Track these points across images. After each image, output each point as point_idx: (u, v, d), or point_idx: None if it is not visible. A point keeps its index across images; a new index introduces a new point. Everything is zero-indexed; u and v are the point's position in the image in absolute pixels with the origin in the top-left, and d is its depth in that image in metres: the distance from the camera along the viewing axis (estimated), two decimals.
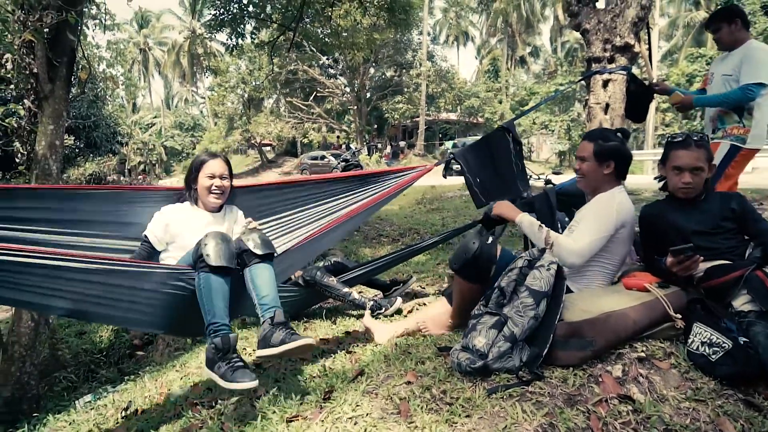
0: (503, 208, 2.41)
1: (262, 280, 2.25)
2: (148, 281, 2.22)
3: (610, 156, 2.26)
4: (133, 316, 2.35)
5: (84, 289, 2.08)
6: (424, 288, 3.91)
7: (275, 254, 2.38)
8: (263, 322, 2.16)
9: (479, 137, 4.02)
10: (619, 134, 2.36)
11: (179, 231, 2.55)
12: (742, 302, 1.85)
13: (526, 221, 2.32)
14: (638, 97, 3.60)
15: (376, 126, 36.46)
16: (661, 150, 2.82)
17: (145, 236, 2.53)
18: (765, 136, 3.24)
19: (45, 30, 3.85)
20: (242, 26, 9.10)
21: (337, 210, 3.23)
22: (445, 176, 3.88)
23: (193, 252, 2.21)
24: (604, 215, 2.19)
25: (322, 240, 3.04)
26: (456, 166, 3.74)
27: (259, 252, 2.26)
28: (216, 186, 2.59)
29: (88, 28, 7.24)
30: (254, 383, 1.94)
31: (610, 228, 2.17)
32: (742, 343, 1.70)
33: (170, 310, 2.35)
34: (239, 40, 9.27)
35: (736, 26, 3.29)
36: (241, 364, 2.02)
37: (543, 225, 2.25)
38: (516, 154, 3.49)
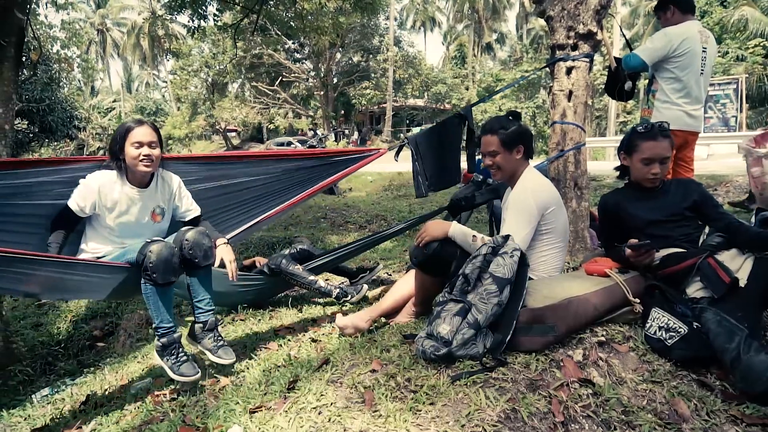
0: (433, 229, 2.26)
1: (200, 287, 2.43)
2: (87, 272, 2.28)
3: (518, 140, 2.31)
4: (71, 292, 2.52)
5: (25, 275, 2.11)
6: (390, 275, 3.91)
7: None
8: (195, 321, 2.44)
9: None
10: (510, 117, 2.42)
11: (105, 214, 2.42)
12: (695, 289, 1.92)
13: (459, 233, 2.22)
14: (625, 77, 3.76)
15: (343, 112, 36.17)
16: (622, 136, 2.94)
17: (68, 206, 2.37)
18: (669, 118, 3.40)
19: None
20: (204, 8, 8.83)
21: (289, 190, 3.26)
22: (396, 159, 3.85)
23: (137, 256, 2.23)
24: (523, 208, 2.22)
25: (269, 221, 3.19)
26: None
27: (203, 264, 2.37)
28: (144, 155, 2.38)
29: (38, 7, 6.92)
30: (197, 377, 2.25)
31: (535, 215, 2.20)
32: (696, 328, 1.75)
33: (108, 288, 2.41)
34: (201, 22, 9.01)
35: (672, 13, 3.56)
36: (185, 358, 2.29)
37: (476, 234, 2.20)
38: (468, 141, 3.57)
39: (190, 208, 2.70)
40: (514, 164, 2.33)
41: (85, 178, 2.40)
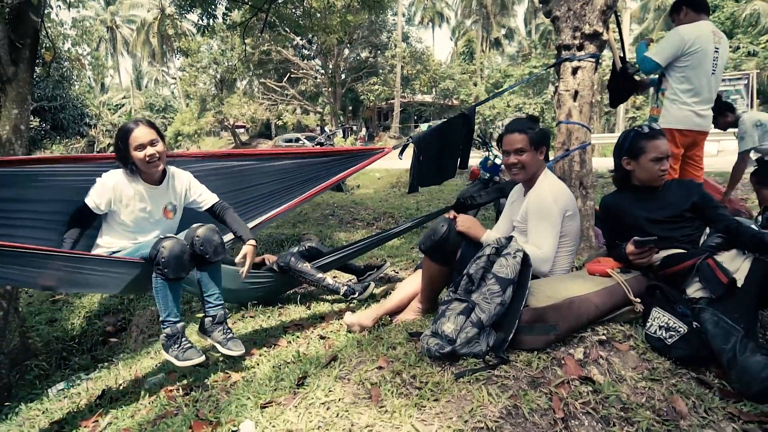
0: (469, 225, 2.32)
1: (210, 281, 2.56)
2: (101, 267, 2.39)
3: (543, 141, 2.36)
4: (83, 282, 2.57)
5: (43, 270, 2.27)
6: (397, 272, 3.96)
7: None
8: (205, 315, 2.56)
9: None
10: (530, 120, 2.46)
11: (120, 210, 2.49)
12: (694, 289, 1.95)
13: (492, 241, 2.22)
14: (624, 82, 3.80)
15: (351, 108, 36.19)
16: None
17: (85, 204, 2.43)
18: (678, 117, 3.49)
19: (6, 11, 3.74)
20: (214, 6, 8.86)
21: (298, 187, 3.31)
22: (401, 158, 3.85)
23: (150, 252, 2.35)
24: (547, 212, 2.26)
25: (278, 217, 3.26)
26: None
27: (213, 260, 2.47)
28: (149, 155, 2.42)
29: (51, 8, 7.00)
30: (201, 358, 2.40)
31: (559, 220, 2.26)
32: (696, 327, 1.79)
33: (122, 282, 2.56)
34: (211, 20, 9.03)
35: (685, 13, 3.57)
36: (189, 345, 2.42)
37: None
38: (465, 139, 3.63)
39: (206, 198, 2.73)
40: (537, 164, 2.37)
41: (101, 176, 2.47)
